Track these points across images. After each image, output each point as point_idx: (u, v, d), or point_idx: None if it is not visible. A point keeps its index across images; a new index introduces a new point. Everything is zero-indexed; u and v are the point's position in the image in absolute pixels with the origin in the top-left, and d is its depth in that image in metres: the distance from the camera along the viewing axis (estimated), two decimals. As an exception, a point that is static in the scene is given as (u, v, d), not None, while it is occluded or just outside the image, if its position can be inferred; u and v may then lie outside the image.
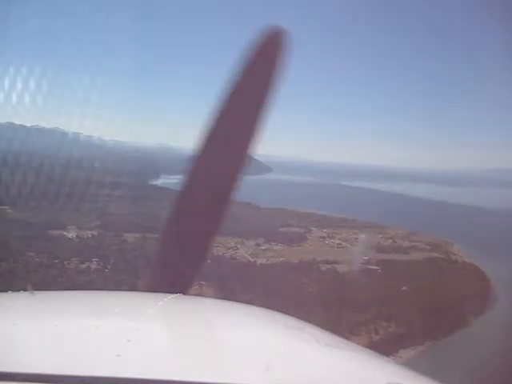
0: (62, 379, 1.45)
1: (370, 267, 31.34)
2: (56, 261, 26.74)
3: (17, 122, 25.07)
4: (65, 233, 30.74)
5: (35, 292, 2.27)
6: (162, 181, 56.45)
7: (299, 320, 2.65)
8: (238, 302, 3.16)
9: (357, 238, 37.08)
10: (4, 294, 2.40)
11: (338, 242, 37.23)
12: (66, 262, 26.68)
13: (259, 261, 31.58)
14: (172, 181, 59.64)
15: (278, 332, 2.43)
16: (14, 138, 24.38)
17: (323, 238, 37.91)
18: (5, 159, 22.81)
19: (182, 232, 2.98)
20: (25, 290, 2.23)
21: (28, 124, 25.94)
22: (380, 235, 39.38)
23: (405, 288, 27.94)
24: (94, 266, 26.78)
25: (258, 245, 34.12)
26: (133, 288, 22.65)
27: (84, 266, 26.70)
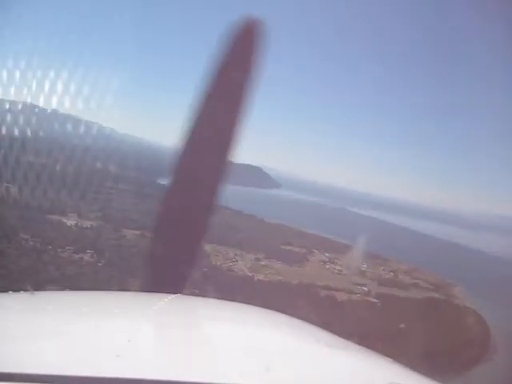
0: (62, 379, 1.43)
1: (370, 299, 30.64)
2: (49, 247, 26.01)
3: (36, 103, 24.59)
4: (64, 219, 30.18)
5: (35, 292, 2.32)
6: (168, 181, 56.29)
7: (300, 320, 2.78)
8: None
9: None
10: (4, 294, 2.39)
11: (339, 268, 36.17)
12: (59, 250, 25.94)
13: (257, 276, 30.78)
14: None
15: (279, 332, 2.51)
16: (30, 119, 23.94)
17: (324, 262, 37.04)
18: (16, 138, 22.56)
19: (170, 233, 3.02)
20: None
21: (48, 108, 25.45)
22: (382, 267, 38.50)
23: (402, 326, 27.02)
24: (87, 257, 26.11)
25: (258, 260, 33.34)
26: (122, 287, 22.23)
27: (77, 256, 25.96)
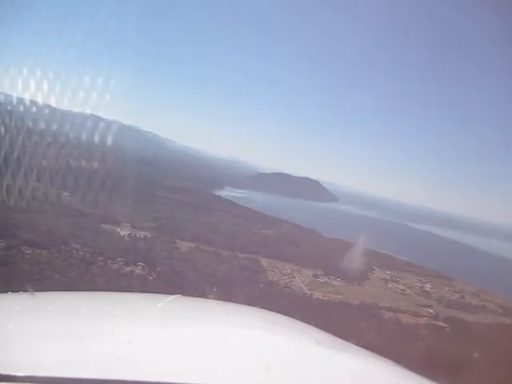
0: (63, 381, 1.45)
1: (437, 323, 28.50)
2: (100, 258, 25.16)
3: (100, 114, 24.51)
4: (118, 229, 29.76)
5: (35, 293, 2.29)
6: (225, 192, 56.08)
7: (301, 322, 2.78)
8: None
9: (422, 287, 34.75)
10: (4, 295, 2.39)
11: (401, 287, 34.41)
12: (109, 261, 25.07)
13: (315, 295, 29.10)
14: (236, 194, 59.29)
15: (279, 333, 2.52)
16: (86, 129, 23.90)
17: (386, 280, 35.29)
18: (75, 147, 22.61)
19: None
20: (26, 289, 2.23)
21: (108, 118, 25.35)
22: (447, 288, 36.40)
23: (476, 356, 24.72)
24: (138, 270, 25.04)
25: (316, 276, 31.98)
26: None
27: (128, 268, 24.93)
